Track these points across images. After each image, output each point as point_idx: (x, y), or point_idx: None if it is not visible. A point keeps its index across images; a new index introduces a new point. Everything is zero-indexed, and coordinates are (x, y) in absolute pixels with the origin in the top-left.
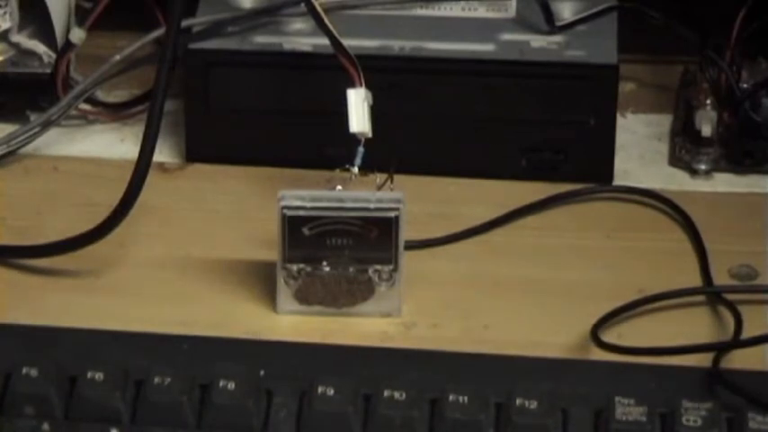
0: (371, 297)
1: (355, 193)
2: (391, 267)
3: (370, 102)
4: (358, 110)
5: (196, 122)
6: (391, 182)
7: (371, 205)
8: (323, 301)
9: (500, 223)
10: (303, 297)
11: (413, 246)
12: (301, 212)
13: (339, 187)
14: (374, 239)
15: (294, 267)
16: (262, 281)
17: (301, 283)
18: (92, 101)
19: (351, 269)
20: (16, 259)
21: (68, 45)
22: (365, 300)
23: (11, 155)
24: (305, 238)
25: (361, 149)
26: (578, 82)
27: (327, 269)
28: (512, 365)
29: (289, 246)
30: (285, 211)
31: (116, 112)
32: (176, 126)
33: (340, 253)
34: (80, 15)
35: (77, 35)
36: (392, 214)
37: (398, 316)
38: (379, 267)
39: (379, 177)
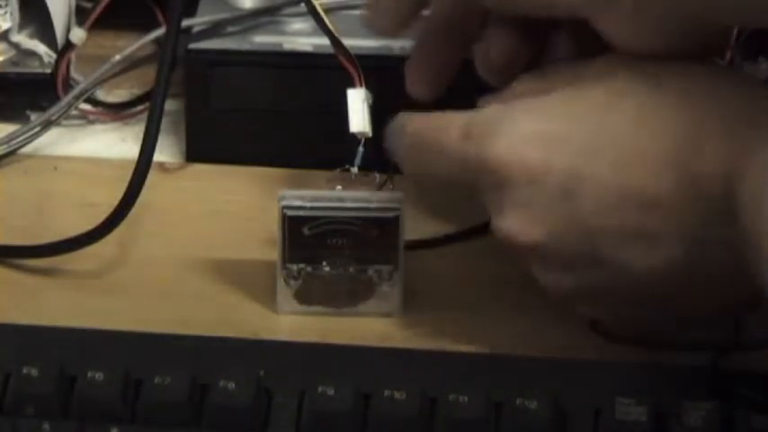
0: (372, 297)
1: (355, 193)
2: (392, 267)
3: (371, 102)
4: (358, 110)
5: (196, 122)
6: (391, 182)
7: (372, 205)
8: (323, 301)
9: None
10: (303, 297)
11: (413, 246)
12: (301, 212)
13: (339, 187)
14: (374, 239)
15: (294, 267)
16: (262, 281)
17: (302, 283)
18: (92, 101)
19: (351, 269)
20: (16, 259)
21: (69, 45)
22: (366, 300)
23: (11, 155)
24: (305, 237)
25: (361, 149)
26: None
27: (328, 269)
28: (512, 365)
29: (289, 246)
30: (285, 211)
31: (116, 112)
32: (176, 126)
33: (340, 253)
34: (80, 15)
35: (77, 35)
36: (392, 214)
37: (399, 316)
38: (379, 267)
39: (380, 177)
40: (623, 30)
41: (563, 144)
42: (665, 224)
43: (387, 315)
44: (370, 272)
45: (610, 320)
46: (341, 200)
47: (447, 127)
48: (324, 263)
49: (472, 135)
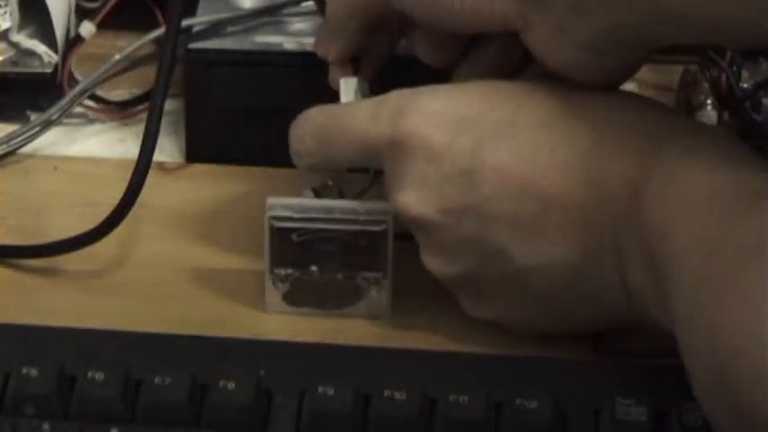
0: (360, 301)
1: (343, 203)
2: (381, 275)
3: (367, 92)
4: (350, 99)
5: (196, 122)
6: (377, 180)
7: (360, 218)
8: (312, 304)
9: None
10: (292, 300)
11: (412, 242)
12: (289, 224)
13: (330, 182)
14: (363, 249)
15: (282, 272)
16: (262, 281)
17: (290, 286)
18: (94, 97)
19: (340, 275)
20: (16, 259)
21: (78, 39)
22: (354, 303)
23: (11, 155)
24: (294, 244)
25: None
26: None
27: (317, 274)
28: (512, 365)
29: (277, 252)
30: (273, 222)
31: (117, 111)
32: (176, 126)
33: (329, 258)
34: (85, 12)
35: (87, 29)
36: (380, 228)
37: (388, 318)
38: (368, 274)
39: (373, 172)
40: (553, 42)
41: (470, 127)
42: (562, 222)
43: (375, 318)
44: (359, 279)
45: (491, 319)
46: (329, 211)
47: (354, 112)
48: (313, 267)
49: (381, 114)
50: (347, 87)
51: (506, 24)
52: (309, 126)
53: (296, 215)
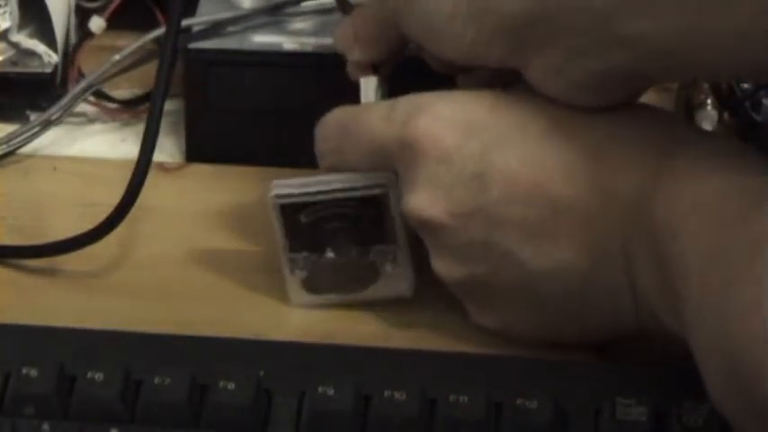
0: (378, 279)
1: (343, 174)
2: (393, 246)
3: (386, 92)
4: (370, 99)
5: (196, 122)
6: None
7: (358, 184)
8: (333, 289)
9: None
10: (312, 286)
11: (412, 241)
12: (290, 200)
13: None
14: (369, 220)
15: (298, 257)
16: (262, 281)
17: (308, 272)
18: (98, 94)
19: (354, 252)
20: (16, 259)
21: (87, 34)
22: (373, 282)
23: (11, 155)
24: (303, 225)
25: None
26: None
27: (332, 255)
28: (512, 365)
29: (290, 235)
30: (276, 200)
31: (119, 110)
32: (176, 126)
33: (340, 236)
34: (85, 12)
35: (97, 23)
36: (379, 191)
37: (399, 315)
38: (380, 248)
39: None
40: (551, 81)
41: (480, 131)
42: (570, 227)
43: (398, 296)
44: (372, 254)
45: (498, 328)
46: (328, 183)
47: (369, 113)
48: (327, 249)
49: (394, 116)
50: (367, 86)
51: (504, 63)
52: (332, 125)
53: (296, 191)
